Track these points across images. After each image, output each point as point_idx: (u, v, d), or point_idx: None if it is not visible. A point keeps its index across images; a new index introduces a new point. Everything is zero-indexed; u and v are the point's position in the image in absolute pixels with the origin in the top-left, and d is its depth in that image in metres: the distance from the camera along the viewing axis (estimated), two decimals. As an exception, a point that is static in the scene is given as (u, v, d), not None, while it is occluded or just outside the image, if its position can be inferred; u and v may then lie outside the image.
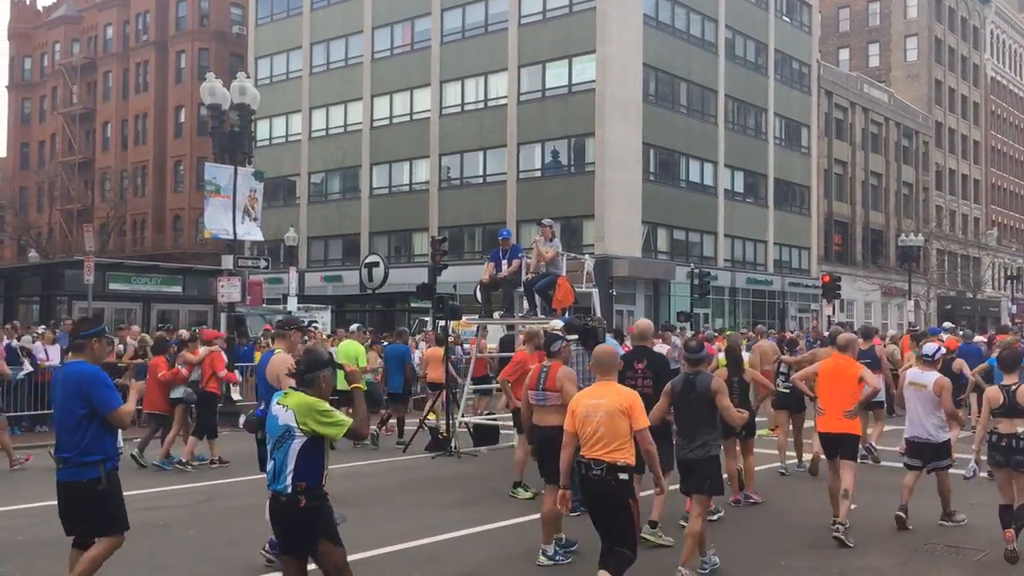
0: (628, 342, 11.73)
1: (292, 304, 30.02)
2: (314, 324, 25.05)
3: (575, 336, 9.41)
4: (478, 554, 7.89)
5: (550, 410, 7.72)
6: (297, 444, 4.95)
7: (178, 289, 27.56)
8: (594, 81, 38.09)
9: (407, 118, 44.47)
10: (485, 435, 14.37)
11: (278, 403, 5.11)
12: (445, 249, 23.79)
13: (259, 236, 20.49)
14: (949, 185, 67.90)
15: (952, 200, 68.13)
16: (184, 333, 16.82)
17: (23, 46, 69.93)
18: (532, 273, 13.43)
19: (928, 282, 54.91)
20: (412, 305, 32.72)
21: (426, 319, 26.44)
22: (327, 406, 5.07)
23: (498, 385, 12.93)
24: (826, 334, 17.99)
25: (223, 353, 13.47)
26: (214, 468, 12.10)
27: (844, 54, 67.77)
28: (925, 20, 65.47)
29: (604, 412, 6.02)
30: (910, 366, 10.28)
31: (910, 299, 46.59)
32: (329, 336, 21.80)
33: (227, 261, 19.23)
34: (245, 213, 19.31)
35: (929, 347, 9.17)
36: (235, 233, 18.76)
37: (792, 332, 29.79)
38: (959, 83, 70.11)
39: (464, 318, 19.41)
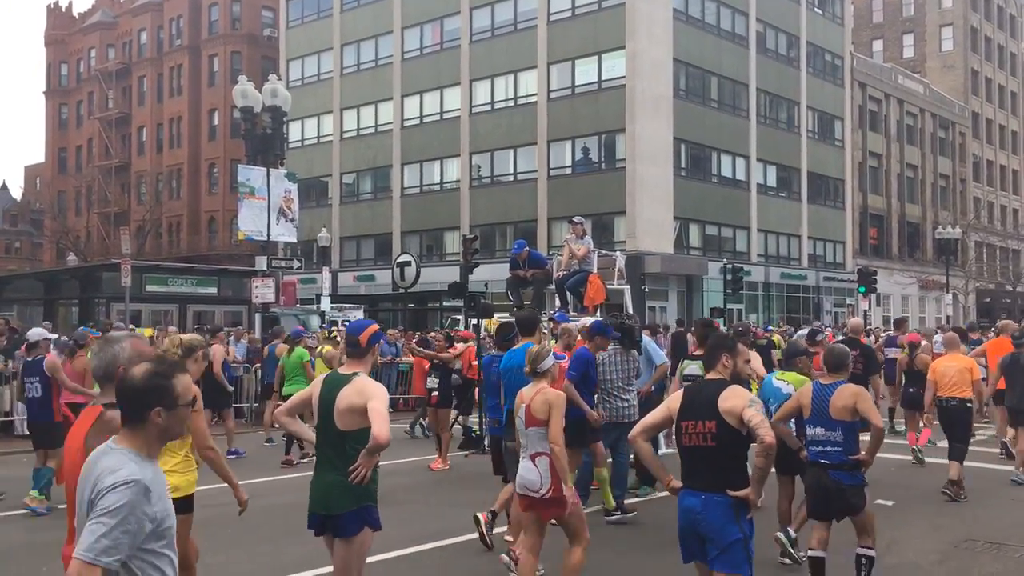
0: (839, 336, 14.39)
1: (325, 304, 30.19)
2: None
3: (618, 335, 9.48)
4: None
5: None
6: None
7: (213, 290, 27.89)
8: (624, 77, 37.96)
9: (437, 117, 44.61)
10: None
11: (778, 379, 7.64)
12: (476, 247, 23.79)
13: (293, 237, 20.70)
14: (987, 176, 66.85)
15: (990, 191, 67.07)
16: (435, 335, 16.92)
17: (59, 52, 71.07)
18: (564, 270, 13.41)
19: (966, 275, 54.13)
20: (444, 304, 32.80)
21: (458, 317, 26.47)
22: None
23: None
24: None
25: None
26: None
27: (878, 45, 66.94)
28: (961, 9, 64.50)
29: (956, 369, 10.09)
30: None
31: (948, 292, 45.98)
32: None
33: (261, 262, 19.47)
34: (281, 214, 19.55)
35: None
36: (268, 234, 18.96)
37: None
38: (996, 72, 68.99)
39: (496, 316, 19.41)
